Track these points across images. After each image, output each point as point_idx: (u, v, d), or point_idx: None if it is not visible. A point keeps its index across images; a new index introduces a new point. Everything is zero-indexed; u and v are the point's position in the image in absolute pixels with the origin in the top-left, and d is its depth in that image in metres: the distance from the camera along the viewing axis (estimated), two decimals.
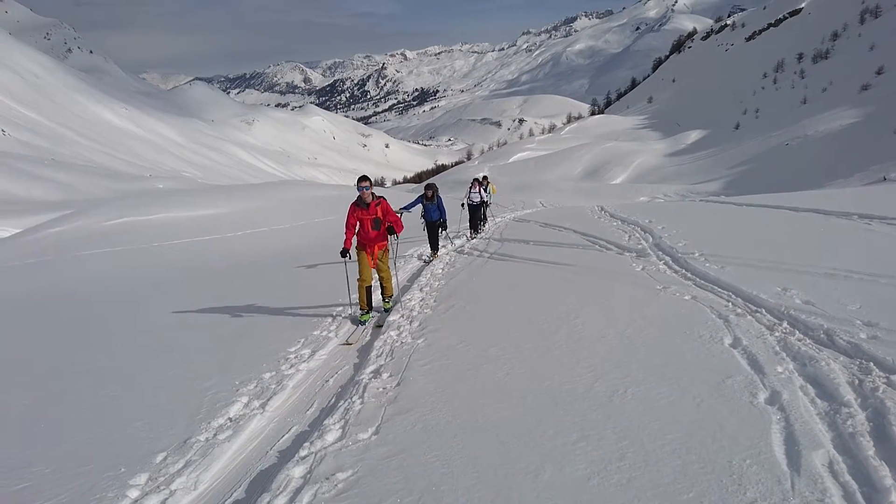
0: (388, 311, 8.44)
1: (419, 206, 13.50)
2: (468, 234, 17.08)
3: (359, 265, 8.09)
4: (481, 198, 17.30)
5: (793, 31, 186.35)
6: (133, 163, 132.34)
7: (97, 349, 7.74)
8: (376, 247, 8.13)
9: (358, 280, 8.07)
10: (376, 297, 9.02)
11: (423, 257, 13.45)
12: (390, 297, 8.62)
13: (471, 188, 17.49)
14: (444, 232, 13.47)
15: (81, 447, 4.64)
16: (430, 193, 13.13)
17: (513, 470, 3.69)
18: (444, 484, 3.61)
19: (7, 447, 4.77)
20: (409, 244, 14.96)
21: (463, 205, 17.60)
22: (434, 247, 13.52)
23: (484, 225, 18.96)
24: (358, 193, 7.92)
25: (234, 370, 6.23)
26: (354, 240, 8.13)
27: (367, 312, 8.15)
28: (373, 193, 7.94)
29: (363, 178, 7.87)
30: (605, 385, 4.79)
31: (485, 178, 19.02)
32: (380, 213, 7.95)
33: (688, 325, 6.14)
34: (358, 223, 7.99)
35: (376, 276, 8.66)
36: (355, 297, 8.40)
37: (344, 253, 7.72)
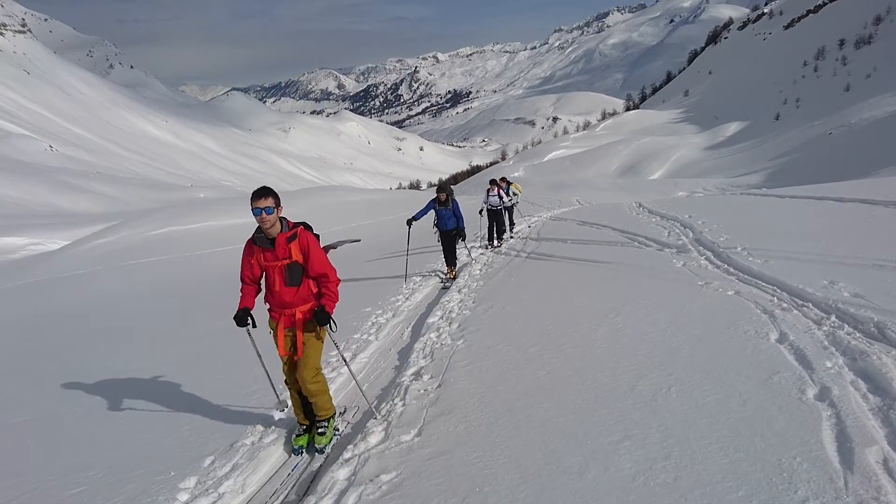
0: (322, 450, 4.69)
1: (430, 214, 11.18)
2: (486, 245, 15.06)
3: (278, 351, 4.68)
4: (501, 201, 15.22)
5: (833, 16, 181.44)
6: (174, 173, 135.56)
7: (145, 356, 7.94)
8: (297, 314, 4.58)
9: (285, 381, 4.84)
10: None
11: (440, 275, 11.48)
12: (327, 418, 4.81)
13: (488, 191, 15.40)
14: (461, 242, 11.59)
15: (133, 452, 4.76)
16: (443, 196, 10.91)
17: (556, 470, 3.67)
18: (488, 485, 3.61)
19: (64, 452, 4.93)
20: (428, 255, 13.59)
21: (481, 212, 15.49)
22: (450, 262, 11.36)
23: (511, 230, 17.61)
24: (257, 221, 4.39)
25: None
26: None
27: (307, 432, 4.83)
28: (283, 220, 4.50)
29: (261, 194, 4.32)
30: (648, 383, 4.74)
31: (503, 179, 17.31)
32: (296, 256, 4.48)
33: (732, 320, 6.02)
34: (262, 274, 4.63)
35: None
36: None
37: (242, 318, 4.49)
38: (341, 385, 6.02)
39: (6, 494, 4.26)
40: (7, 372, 8.10)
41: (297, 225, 4.59)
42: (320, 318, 4.49)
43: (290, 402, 4.97)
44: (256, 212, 4.30)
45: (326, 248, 5.02)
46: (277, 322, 4.61)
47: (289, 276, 4.49)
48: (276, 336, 4.63)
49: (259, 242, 4.47)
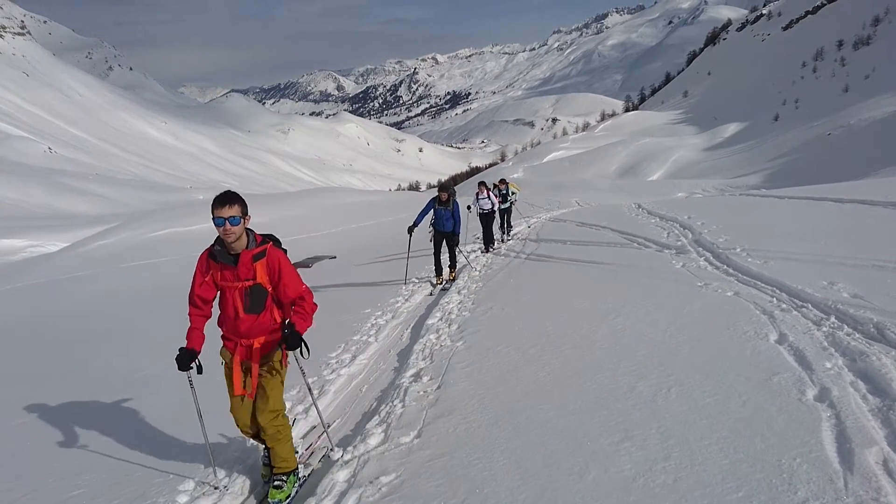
0: None
1: (429, 215, 10.71)
2: (481, 249, 14.54)
3: (230, 395, 4.00)
4: (492, 205, 14.61)
5: (832, 17, 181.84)
6: (173, 175, 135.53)
7: (146, 357, 7.94)
8: (255, 344, 3.87)
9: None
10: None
11: (431, 281, 10.87)
12: (287, 472, 4.04)
13: (478, 194, 14.79)
14: (457, 246, 11.08)
15: (132, 454, 4.75)
16: (444, 196, 10.45)
17: (557, 471, 3.67)
18: (488, 486, 3.61)
19: (63, 454, 4.92)
20: (427, 258, 12.07)
21: (469, 207, 14.71)
22: (450, 266, 10.95)
23: (507, 234, 17.41)
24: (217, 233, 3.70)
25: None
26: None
27: (287, 481, 4.02)
28: (250, 232, 3.81)
29: (226, 200, 3.64)
30: (647, 384, 4.74)
31: (502, 180, 17.15)
32: (261, 278, 3.78)
33: (731, 321, 6.03)
34: (218, 295, 3.94)
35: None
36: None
37: (185, 361, 3.82)
38: (339, 387, 6.00)
39: (6, 497, 4.26)
40: (6, 374, 8.08)
41: (265, 240, 3.86)
42: (290, 340, 3.77)
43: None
44: (219, 221, 3.61)
45: (299, 266, 4.35)
46: (232, 352, 3.91)
47: (250, 300, 3.78)
48: (229, 370, 3.94)
49: (219, 257, 3.75)
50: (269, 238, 3.92)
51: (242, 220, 3.66)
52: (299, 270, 4.29)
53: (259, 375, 3.91)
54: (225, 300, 3.84)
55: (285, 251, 4.02)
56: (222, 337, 3.97)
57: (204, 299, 3.87)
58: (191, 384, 4.03)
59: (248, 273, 3.74)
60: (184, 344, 3.87)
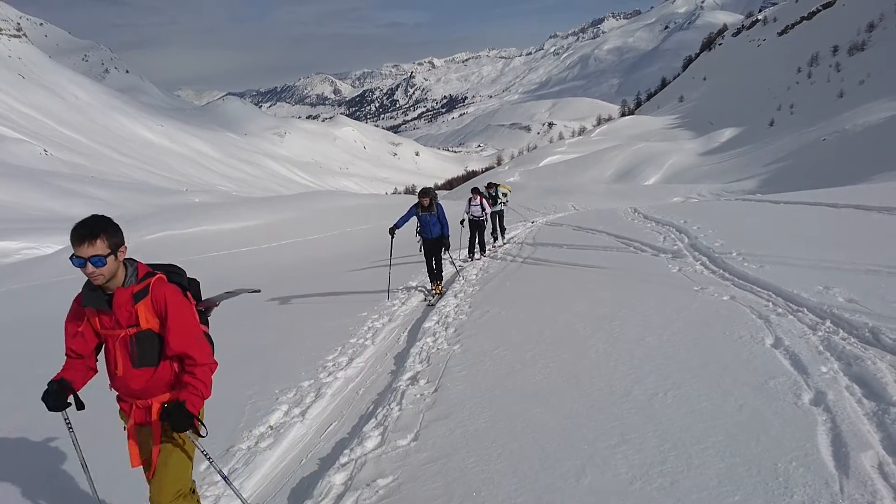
0: None
1: (413, 221, 10.27)
2: (467, 256, 14.21)
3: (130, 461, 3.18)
4: (483, 211, 14.03)
5: (827, 23, 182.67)
6: (169, 178, 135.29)
7: None
8: (155, 405, 3.08)
9: None
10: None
11: (425, 290, 10.66)
12: None
13: (470, 200, 14.24)
14: (446, 252, 10.63)
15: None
16: (426, 202, 9.95)
17: (554, 475, 3.68)
18: (485, 489, 3.61)
19: (56, 458, 4.91)
20: (420, 265, 11.58)
21: (462, 221, 14.10)
22: (435, 276, 10.41)
23: (501, 239, 16.90)
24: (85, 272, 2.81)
25: (274, 379, 6.31)
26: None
27: None
28: (130, 263, 2.98)
29: (83, 235, 2.71)
30: (644, 388, 4.74)
31: (490, 184, 16.68)
32: (147, 321, 2.94)
33: (727, 325, 6.04)
34: (96, 344, 3.14)
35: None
36: None
37: (57, 397, 3.03)
38: (336, 390, 6.00)
39: (2, 499, 4.24)
40: (1, 375, 8.05)
41: (152, 273, 2.98)
42: (175, 418, 2.92)
43: None
44: (78, 262, 2.75)
45: (209, 304, 3.53)
46: (128, 415, 3.11)
47: (138, 351, 2.95)
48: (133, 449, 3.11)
49: (91, 301, 2.90)
50: (162, 269, 3.09)
51: (113, 256, 2.79)
52: (210, 310, 3.60)
53: (161, 442, 3.08)
54: (107, 352, 3.02)
55: (195, 283, 3.33)
56: (117, 398, 3.20)
57: (78, 351, 3.07)
58: (68, 426, 3.16)
59: (128, 317, 2.90)
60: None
